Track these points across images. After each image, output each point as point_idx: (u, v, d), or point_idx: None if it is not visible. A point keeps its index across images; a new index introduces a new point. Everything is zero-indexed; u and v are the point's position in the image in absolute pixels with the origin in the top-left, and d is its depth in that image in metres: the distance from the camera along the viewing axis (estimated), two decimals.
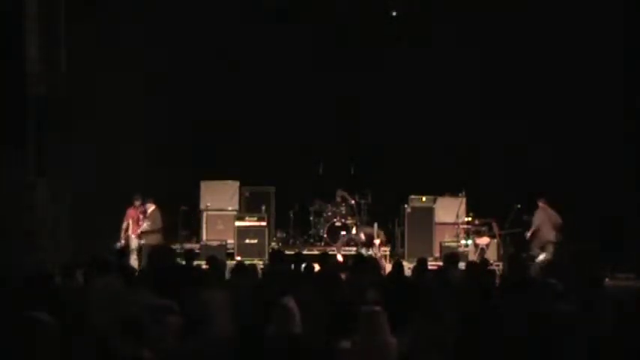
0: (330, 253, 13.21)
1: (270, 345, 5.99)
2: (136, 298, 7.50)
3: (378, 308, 6.20)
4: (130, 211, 14.07)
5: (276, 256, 10.26)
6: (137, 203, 14.05)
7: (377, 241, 14.59)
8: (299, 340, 5.86)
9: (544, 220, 13.79)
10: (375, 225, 14.66)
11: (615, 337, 6.02)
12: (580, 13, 14.82)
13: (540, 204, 13.89)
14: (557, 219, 13.79)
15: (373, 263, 10.09)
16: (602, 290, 8.22)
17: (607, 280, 11.62)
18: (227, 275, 9.31)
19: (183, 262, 10.10)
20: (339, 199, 15.88)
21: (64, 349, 5.23)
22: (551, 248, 13.67)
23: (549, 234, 13.73)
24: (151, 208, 14.05)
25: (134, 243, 13.88)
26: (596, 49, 14.87)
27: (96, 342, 6.67)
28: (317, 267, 9.90)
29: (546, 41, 15.45)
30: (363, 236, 14.92)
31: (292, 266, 9.83)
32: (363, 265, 9.49)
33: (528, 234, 13.96)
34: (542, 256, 13.56)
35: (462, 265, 10.63)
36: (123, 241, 13.93)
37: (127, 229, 14.05)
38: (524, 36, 15.52)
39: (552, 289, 7.37)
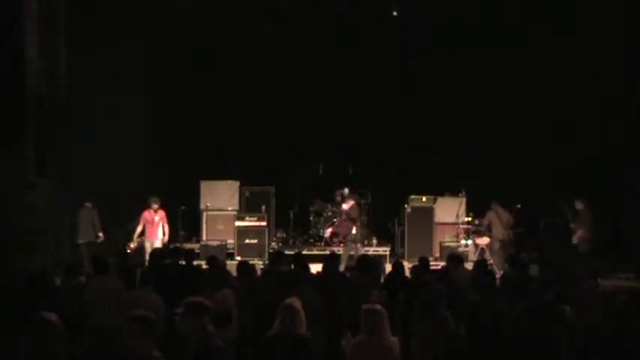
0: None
1: (276, 344, 6.00)
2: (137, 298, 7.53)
3: (378, 307, 6.22)
4: (145, 214, 13.78)
5: (276, 257, 10.23)
6: (155, 206, 13.81)
7: (345, 206, 14.85)
8: (304, 340, 5.87)
9: (494, 220, 14.37)
10: (346, 190, 15.08)
11: (614, 338, 6.02)
12: (582, 18, 14.84)
13: (492, 205, 14.40)
14: (508, 218, 14.32)
15: (376, 264, 10.09)
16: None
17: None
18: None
19: (183, 263, 10.10)
20: (339, 199, 15.88)
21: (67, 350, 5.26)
22: (497, 245, 14.37)
23: (499, 232, 14.33)
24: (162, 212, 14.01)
25: (149, 246, 13.56)
26: (593, 54, 14.88)
27: (96, 341, 6.69)
28: (317, 267, 9.93)
29: (547, 41, 15.47)
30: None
31: (292, 266, 9.82)
32: (367, 265, 9.49)
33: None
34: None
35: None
36: (134, 245, 13.80)
37: (141, 233, 13.85)
38: (525, 36, 15.53)
39: (552, 289, 7.37)
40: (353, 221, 14.74)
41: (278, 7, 16.04)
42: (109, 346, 7.11)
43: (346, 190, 15.20)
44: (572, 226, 13.81)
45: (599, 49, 14.82)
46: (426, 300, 6.82)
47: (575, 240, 13.74)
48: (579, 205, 13.80)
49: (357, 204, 15.16)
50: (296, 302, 6.26)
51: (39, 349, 4.92)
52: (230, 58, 16.40)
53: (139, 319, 5.06)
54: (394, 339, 6.14)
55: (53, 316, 5.03)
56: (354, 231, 14.68)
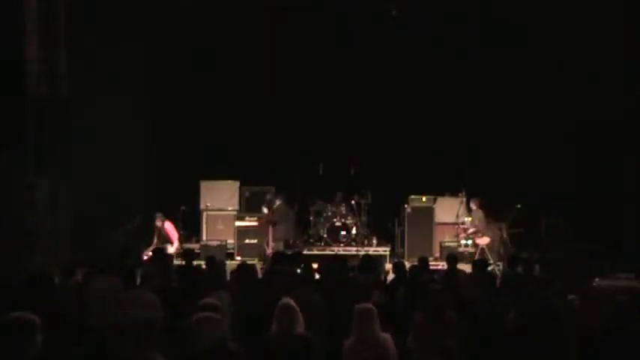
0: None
1: (274, 344, 6.00)
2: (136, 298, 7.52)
3: (369, 306, 6.24)
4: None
5: (277, 257, 10.27)
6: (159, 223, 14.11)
7: (265, 210, 14.79)
8: (304, 340, 5.88)
9: (481, 219, 14.49)
10: (268, 196, 15.14)
11: (614, 338, 6.03)
12: (581, 18, 14.82)
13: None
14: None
15: (377, 264, 10.10)
16: None
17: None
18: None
19: (183, 263, 10.11)
20: (339, 199, 15.86)
21: (61, 349, 5.24)
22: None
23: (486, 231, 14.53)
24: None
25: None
26: (595, 51, 14.88)
27: (95, 342, 6.68)
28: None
29: (547, 41, 15.46)
30: None
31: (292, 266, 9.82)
32: (368, 265, 9.49)
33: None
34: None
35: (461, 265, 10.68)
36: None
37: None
38: (525, 36, 15.52)
39: (552, 288, 7.37)
40: (272, 224, 14.64)
41: (278, 7, 16.04)
42: (108, 346, 7.10)
43: (268, 196, 15.24)
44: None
45: (599, 49, 14.81)
46: (432, 301, 6.81)
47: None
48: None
49: (286, 204, 15.09)
50: (292, 301, 6.26)
51: (19, 350, 4.82)
52: (230, 58, 16.39)
53: (136, 322, 5.05)
54: (387, 335, 6.15)
55: (31, 315, 4.94)
56: (270, 233, 14.60)
